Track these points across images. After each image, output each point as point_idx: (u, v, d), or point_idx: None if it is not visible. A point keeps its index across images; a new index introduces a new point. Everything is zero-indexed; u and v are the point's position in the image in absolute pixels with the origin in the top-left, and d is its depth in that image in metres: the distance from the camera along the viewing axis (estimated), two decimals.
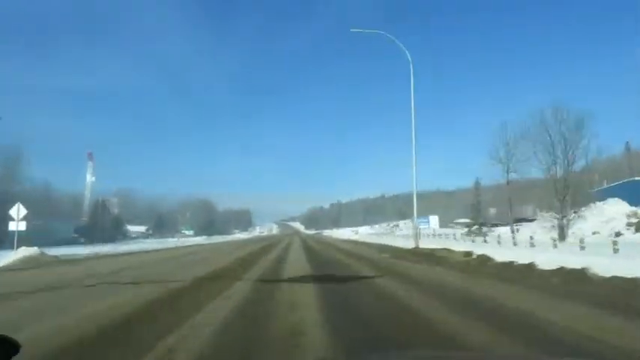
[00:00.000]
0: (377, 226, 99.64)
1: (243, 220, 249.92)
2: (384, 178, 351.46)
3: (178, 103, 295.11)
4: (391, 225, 68.07)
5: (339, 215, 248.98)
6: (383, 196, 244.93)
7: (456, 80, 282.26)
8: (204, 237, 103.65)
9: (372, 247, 31.05)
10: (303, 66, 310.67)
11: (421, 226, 45.50)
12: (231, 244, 53.01)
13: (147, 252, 34.41)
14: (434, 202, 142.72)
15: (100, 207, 70.80)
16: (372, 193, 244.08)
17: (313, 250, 30.32)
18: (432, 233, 44.31)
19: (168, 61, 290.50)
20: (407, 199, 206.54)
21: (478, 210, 33.20)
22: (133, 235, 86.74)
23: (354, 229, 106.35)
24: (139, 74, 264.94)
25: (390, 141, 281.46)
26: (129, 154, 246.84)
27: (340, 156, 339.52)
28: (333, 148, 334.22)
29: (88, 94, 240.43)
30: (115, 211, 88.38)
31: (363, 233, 75.16)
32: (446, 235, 38.14)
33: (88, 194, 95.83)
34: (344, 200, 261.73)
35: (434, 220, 56.62)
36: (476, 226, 33.79)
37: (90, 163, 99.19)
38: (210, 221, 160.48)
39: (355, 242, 42.81)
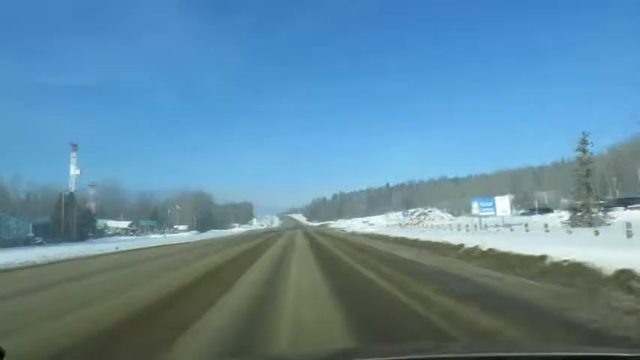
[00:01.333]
0: (393, 214, 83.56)
1: (245, 213, 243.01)
2: (386, 168, 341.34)
3: (176, 96, 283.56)
4: (417, 214, 53.58)
5: (342, 206, 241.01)
6: (387, 186, 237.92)
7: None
8: (194, 232, 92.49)
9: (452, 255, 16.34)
10: (302, 56, 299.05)
11: (483, 212, 33.85)
12: (217, 242, 42.48)
13: (87, 258, 24.34)
14: (471, 186, 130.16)
15: (64, 201, 59.46)
16: (374, 183, 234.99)
17: (336, 259, 17.90)
18: (505, 224, 29.93)
19: (166, 54, 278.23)
20: (414, 188, 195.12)
21: (587, 187, 21.06)
22: (109, 233, 75.58)
23: (365, 219, 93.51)
24: (134, 68, 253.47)
25: (393, 131, 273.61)
26: (124, 149, 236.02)
27: (341, 147, 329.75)
28: (334, 139, 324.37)
29: (78, 87, 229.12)
30: (92, 205, 77.36)
31: (380, 224, 63.57)
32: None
33: (73, 188, 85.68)
34: (346, 191, 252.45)
35: (502, 203, 34.96)
36: (581, 212, 21.70)
37: (73, 154, 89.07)
38: (206, 215, 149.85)
39: (385, 239, 29.70)
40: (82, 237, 60.48)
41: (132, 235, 73.78)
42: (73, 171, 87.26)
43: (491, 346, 3.21)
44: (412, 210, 60.89)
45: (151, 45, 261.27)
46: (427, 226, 40.44)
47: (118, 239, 59.84)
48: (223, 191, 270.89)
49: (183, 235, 74.72)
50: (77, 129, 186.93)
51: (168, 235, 73.85)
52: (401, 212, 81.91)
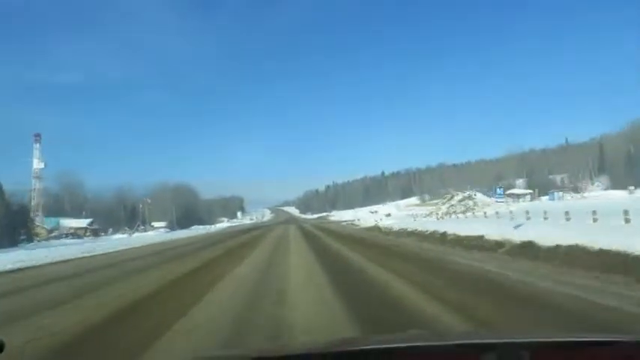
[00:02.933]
0: (401, 202, 67.09)
1: (235, 207, 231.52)
2: (379, 157, 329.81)
3: (162, 90, 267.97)
4: (456, 199, 39.00)
5: (336, 197, 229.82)
6: (383, 174, 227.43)
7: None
8: (164, 230, 78.63)
9: None
10: (292, 46, 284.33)
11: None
12: (182, 245, 29.28)
13: None
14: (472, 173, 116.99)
15: None
16: (367, 172, 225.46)
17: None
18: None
19: (150, 46, 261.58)
20: (411, 175, 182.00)
21: None
22: (55, 235, 61.24)
23: (372, 208, 75.09)
24: (119, 60, 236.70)
25: (385, 118, 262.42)
26: (107, 145, 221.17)
27: (332, 138, 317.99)
28: (323, 130, 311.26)
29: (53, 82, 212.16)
30: (37, 201, 63.33)
31: (398, 215, 50.27)
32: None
33: (37, 184, 72.27)
34: (339, 181, 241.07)
35: None
36: None
37: (36, 146, 75.36)
38: (189, 210, 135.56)
39: (441, 240, 18.16)
40: (13, 241, 46.64)
41: (83, 238, 59.67)
42: (37, 164, 73.99)
43: (486, 333, 3.24)
44: (448, 194, 45.88)
45: (136, 40, 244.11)
46: (481, 216, 27.17)
47: (60, 243, 46.16)
48: (214, 185, 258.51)
49: (149, 235, 60.92)
50: (51, 123, 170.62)
51: (136, 235, 60.19)
52: (414, 198, 68.07)
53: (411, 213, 48.49)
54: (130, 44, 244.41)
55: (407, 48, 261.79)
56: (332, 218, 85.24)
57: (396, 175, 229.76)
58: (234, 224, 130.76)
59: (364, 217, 50.58)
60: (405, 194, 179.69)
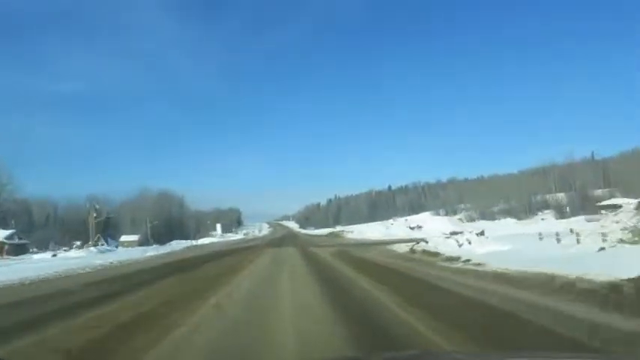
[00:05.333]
0: (444, 219, 43.84)
1: (231, 220, 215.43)
2: (384, 172, 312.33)
3: (162, 101, 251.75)
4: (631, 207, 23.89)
5: (340, 211, 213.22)
6: (390, 188, 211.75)
7: None
8: (122, 249, 59.72)
9: None
10: (295, 58, 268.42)
11: None
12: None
13: None
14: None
15: None
16: (371, 187, 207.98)
17: None
18: None
19: (149, 55, 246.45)
20: (419, 189, 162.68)
21: None
22: None
23: (412, 219, 45.79)
24: (117, 67, 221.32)
25: (390, 133, 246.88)
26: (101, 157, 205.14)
27: (334, 151, 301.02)
28: (325, 144, 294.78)
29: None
30: None
31: (436, 228, 29.85)
32: None
33: None
34: (341, 195, 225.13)
35: None
36: None
37: None
38: (174, 221, 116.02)
39: None
40: None
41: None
42: None
43: (489, 355, 3.29)
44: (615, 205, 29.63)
45: (135, 49, 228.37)
46: None
47: None
48: (212, 198, 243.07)
49: (78, 254, 41.73)
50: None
51: (63, 256, 41.38)
52: (456, 215, 46.66)
53: (454, 229, 29.34)
54: (129, 53, 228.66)
55: (414, 57, 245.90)
56: (350, 235, 51.31)
57: (404, 190, 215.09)
58: (223, 239, 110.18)
59: (398, 233, 31.20)
60: (414, 209, 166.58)
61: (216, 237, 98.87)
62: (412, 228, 42.20)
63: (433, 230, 33.51)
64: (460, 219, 37.43)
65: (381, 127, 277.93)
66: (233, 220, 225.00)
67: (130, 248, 66.39)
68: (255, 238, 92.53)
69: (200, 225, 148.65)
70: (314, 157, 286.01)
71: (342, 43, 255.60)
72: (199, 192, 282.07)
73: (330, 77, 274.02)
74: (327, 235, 69.50)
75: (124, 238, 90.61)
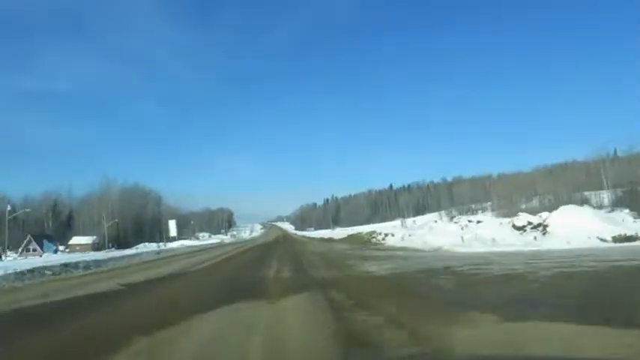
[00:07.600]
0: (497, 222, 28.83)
1: (223, 220, 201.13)
2: (384, 171, 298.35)
3: (152, 101, 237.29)
4: None
5: (338, 212, 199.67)
6: (391, 188, 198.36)
7: None
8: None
9: None
10: (286, 57, 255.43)
11: None
12: None
13: None
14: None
15: None
16: (370, 186, 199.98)
17: None
18: None
19: (142, 52, 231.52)
20: (424, 189, 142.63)
21: None
22: None
23: (470, 219, 27.48)
24: (110, 65, 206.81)
25: (389, 131, 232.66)
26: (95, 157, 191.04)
27: (330, 151, 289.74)
28: (320, 143, 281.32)
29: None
30: None
31: (504, 234, 16.19)
32: None
33: None
34: (339, 195, 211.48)
35: None
36: None
37: None
38: (142, 221, 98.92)
39: None
40: None
41: None
42: None
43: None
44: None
45: (127, 49, 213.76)
46: None
47: None
48: (204, 198, 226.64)
49: None
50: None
51: None
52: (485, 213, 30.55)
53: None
54: (121, 53, 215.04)
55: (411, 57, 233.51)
56: (399, 244, 18.29)
57: (406, 189, 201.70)
58: (201, 242, 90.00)
59: (502, 240, 15.73)
60: (419, 210, 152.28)
61: (175, 242, 74.26)
62: (469, 222, 25.20)
63: (571, 231, 17.47)
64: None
65: (381, 128, 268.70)
66: (225, 221, 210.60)
67: (70, 254, 50.19)
68: (233, 243, 73.61)
69: (184, 226, 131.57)
70: (309, 158, 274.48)
71: (341, 42, 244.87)
72: (192, 192, 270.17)
73: (325, 77, 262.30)
74: (348, 244, 30.75)
75: (75, 240, 74.17)
